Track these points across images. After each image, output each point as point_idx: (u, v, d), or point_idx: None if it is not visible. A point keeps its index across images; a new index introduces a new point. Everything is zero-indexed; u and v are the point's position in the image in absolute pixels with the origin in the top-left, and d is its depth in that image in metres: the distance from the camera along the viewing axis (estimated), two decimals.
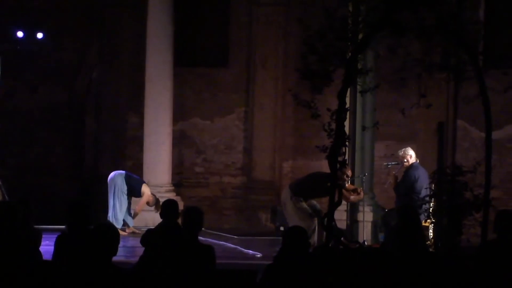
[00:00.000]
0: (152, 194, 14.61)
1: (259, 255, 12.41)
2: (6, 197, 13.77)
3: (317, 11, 8.98)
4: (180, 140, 16.97)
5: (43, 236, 8.21)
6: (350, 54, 8.69)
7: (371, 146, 14.12)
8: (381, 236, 13.56)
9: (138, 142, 16.36)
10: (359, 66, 8.89)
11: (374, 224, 13.79)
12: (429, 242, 11.23)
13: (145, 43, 15.84)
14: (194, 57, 17.26)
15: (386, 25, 8.48)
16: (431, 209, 10.97)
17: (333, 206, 8.49)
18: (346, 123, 9.93)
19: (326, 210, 8.69)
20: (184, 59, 16.82)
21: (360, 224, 13.53)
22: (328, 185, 8.69)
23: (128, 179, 14.58)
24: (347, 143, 8.64)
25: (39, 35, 16.70)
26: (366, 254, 8.93)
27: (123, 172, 14.78)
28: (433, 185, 10.97)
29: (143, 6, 15.83)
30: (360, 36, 8.77)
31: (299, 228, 6.81)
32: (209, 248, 6.95)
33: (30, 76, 17.34)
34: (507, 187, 15.46)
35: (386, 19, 8.44)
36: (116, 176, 14.59)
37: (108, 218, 14.31)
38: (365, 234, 13.29)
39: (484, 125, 9.08)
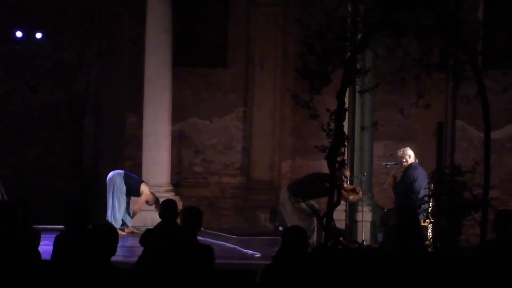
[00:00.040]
0: (151, 193, 14.61)
1: (258, 255, 12.42)
2: (5, 196, 13.76)
3: (316, 11, 8.97)
4: (179, 140, 16.97)
5: (42, 235, 8.20)
6: (349, 54, 8.69)
7: (370, 146, 14.13)
8: (380, 236, 13.56)
9: (137, 142, 16.36)
10: (358, 66, 8.90)
11: (373, 224, 13.79)
12: (428, 242, 11.24)
13: (144, 43, 15.85)
14: (193, 57, 17.25)
15: (385, 25, 8.48)
16: (430, 209, 10.98)
17: (332, 206, 8.49)
18: (345, 123, 9.91)
19: (325, 210, 8.69)
20: (183, 59, 16.82)
21: (359, 224, 13.54)
22: (326, 186, 8.69)
23: (127, 179, 14.58)
24: (346, 143, 8.63)
25: (38, 35, 16.71)
26: (365, 254, 8.94)
27: (122, 171, 14.79)
28: (432, 185, 10.97)
29: (142, 6, 15.82)
30: (359, 36, 8.78)
31: (298, 228, 6.80)
32: (208, 248, 6.95)
33: (29, 76, 17.34)
34: (506, 187, 15.47)
35: (385, 19, 8.44)
36: (115, 176, 14.59)
37: (107, 218, 14.32)
38: (364, 234, 13.30)
39: (483, 125, 9.09)
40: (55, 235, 7.43)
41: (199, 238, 7.18)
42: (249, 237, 14.49)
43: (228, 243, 13.76)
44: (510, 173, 15.78)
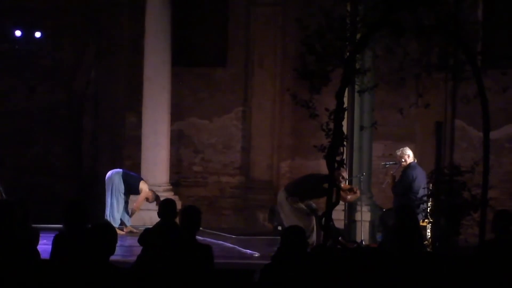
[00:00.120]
0: (150, 190, 14.58)
1: (257, 254, 12.41)
2: (4, 196, 13.76)
3: (316, 11, 8.97)
4: (178, 140, 16.97)
5: (40, 235, 8.21)
6: (348, 54, 8.69)
7: (369, 146, 14.13)
8: (378, 236, 13.57)
9: (136, 141, 16.35)
10: (357, 66, 8.89)
11: (372, 224, 13.79)
12: (426, 242, 11.25)
13: (143, 42, 15.84)
14: (192, 57, 17.25)
15: (385, 25, 8.48)
16: (429, 209, 10.98)
17: (331, 206, 8.49)
18: (344, 123, 9.93)
19: (323, 210, 8.69)
20: (183, 59, 16.81)
21: (358, 224, 13.54)
22: (324, 186, 8.69)
23: (125, 177, 14.56)
24: (345, 143, 8.63)
25: (37, 35, 16.69)
26: (364, 254, 8.95)
27: (120, 170, 14.77)
28: (431, 185, 10.96)
29: (142, 6, 15.82)
30: (359, 36, 8.78)
31: (297, 228, 6.81)
32: (207, 247, 6.95)
33: (28, 76, 17.33)
34: (505, 187, 15.46)
35: (384, 19, 8.44)
36: (113, 175, 14.57)
37: (105, 217, 14.31)
38: (363, 234, 13.30)
39: (482, 125, 9.09)
40: (54, 235, 7.43)
41: (198, 237, 7.18)
42: (248, 236, 14.49)
43: (227, 242, 13.75)
44: (509, 173, 15.78)
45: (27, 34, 16.60)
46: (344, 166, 9.08)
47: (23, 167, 17.18)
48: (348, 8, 9.48)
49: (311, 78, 8.59)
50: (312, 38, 8.58)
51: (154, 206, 13.96)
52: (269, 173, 16.87)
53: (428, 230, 11.58)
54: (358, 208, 13.54)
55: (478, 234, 8.83)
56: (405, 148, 12.93)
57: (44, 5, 16.85)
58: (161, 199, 9.67)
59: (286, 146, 16.95)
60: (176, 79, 16.24)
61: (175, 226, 8.26)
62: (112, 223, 13.69)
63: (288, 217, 12.44)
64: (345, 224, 13.81)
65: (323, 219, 8.62)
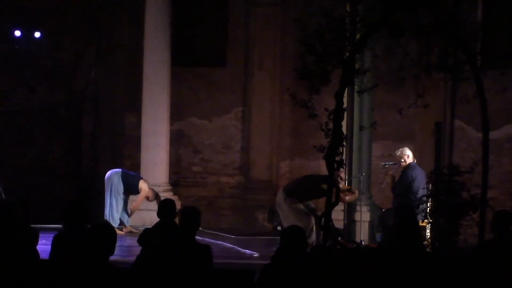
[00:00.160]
0: (150, 188, 14.57)
1: (256, 254, 12.41)
2: (4, 196, 13.76)
3: (315, 11, 8.97)
4: (177, 140, 16.97)
5: (40, 235, 8.21)
6: (347, 54, 8.69)
7: (369, 146, 14.13)
8: (378, 236, 13.56)
9: (136, 141, 16.35)
10: (357, 66, 8.90)
11: (371, 224, 13.79)
12: (426, 242, 11.24)
13: (143, 42, 15.84)
14: (192, 57, 17.25)
15: (384, 25, 8.48)
16: (428, 209, 10.98)
17: (330, 206, 8.49)
18: (344, 123, 9.92)
19: (322, 210, 8.69)
20: (182, 59, 16.82)
21: (358, 224, 13.54)
22: (323, 187, 8.69)
23: (124, 177, 14.55)
24: (344, 143, 8.63)
25: (37, 35, 16.68)
26: (363, 254, 8.94)
27: (120, 170, 14.76)
28: (430, 185, 10.97)
29: (141, 6, 15.82)
30: (358, 36, 8.78)
31: (297, 228, 6.80)
32: (206, 247, 6.95)
33: (28, 76, 17.33)
34: (505, 187, 15.48)
35: (384, 19, 8.44)
36: (112, 175, 14.57)
37: (104, 217, 14.30)
38: (362, 234, 13.30)
39: (482, 125, 9.09)
40: (53, 235, 7.43)
41: (197, 237, 7.17)
42: (247, 236, 14.48)
43: (227, 242, 13.75)
44: (508, 173, 15.79)
45: (27, 34, 16.59)
46: (344, 166, 9.06)
47: (23, 167, 17.18)
48: (348, 8, 9.48)
49: (311, 78, 8.59)
50: (312, 38, 8.58)
51: (154, 206, 13.89)
52: (268, 173, 16.88)
53: (428, 231, 11.57)
54: (358, 208, 13.54)
55: (477, 234, 8.83)
56: (404, 148, 12.92)
57: (44, 5, 16.85)
58: (161, 198, 9.69)
59: (286, 146, 16.95)
60: (176, 79, 16.23)
61: (175, 226, 8.26)
62: (112, 223, 13.70)
63: (287, 217, 12.43)
64: (344, 224, 13.81)
65: (323, 219, 8.63)
